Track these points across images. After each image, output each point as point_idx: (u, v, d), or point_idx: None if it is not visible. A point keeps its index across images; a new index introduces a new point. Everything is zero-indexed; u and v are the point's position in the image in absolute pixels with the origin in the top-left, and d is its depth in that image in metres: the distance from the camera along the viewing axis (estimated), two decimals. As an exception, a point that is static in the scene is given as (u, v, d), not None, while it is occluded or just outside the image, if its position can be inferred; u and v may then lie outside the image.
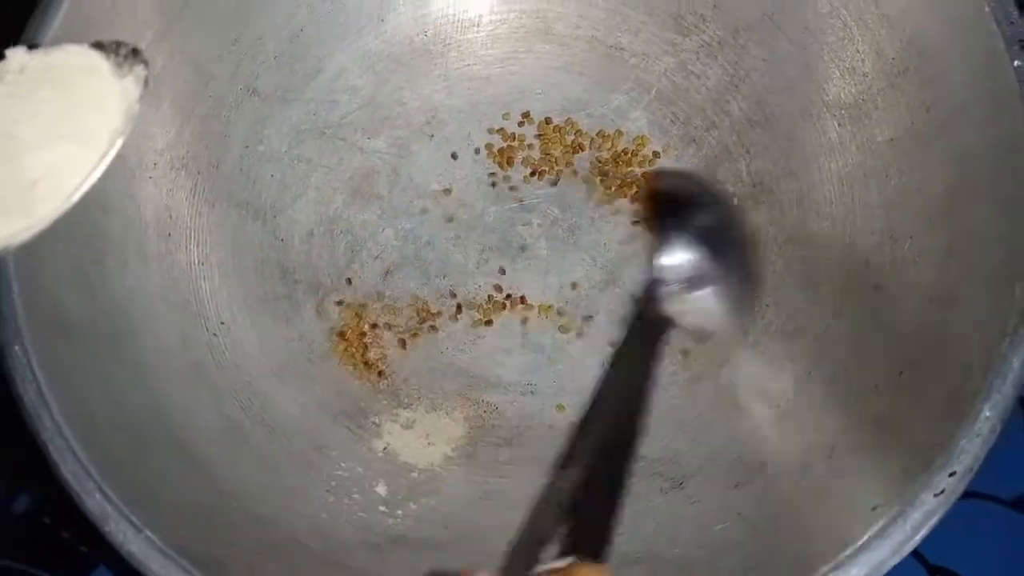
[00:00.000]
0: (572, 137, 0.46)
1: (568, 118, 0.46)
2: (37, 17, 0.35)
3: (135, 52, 0.26)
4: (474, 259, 0.44)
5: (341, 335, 0.42)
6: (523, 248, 0.44)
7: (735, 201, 0.43)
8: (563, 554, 0.27)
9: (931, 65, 0.37)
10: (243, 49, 0.42)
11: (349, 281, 0.43)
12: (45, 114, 0.25)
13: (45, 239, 0.33)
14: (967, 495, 0.44)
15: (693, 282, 0.34)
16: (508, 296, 0.43)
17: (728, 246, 0.35)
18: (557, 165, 0.45)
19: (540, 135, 0.46)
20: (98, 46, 0.26)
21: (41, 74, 0.26)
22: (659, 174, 0.43)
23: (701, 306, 0.34)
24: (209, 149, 0.42)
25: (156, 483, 0.33)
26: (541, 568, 0.27)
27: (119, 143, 0.26)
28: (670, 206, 0.36)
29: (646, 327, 0.33)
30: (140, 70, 0.26)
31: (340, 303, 0.43)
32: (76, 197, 0.25)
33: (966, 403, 0.30)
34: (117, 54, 0.26)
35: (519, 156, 0.46)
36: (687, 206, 0.36)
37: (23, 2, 0.35)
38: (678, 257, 0.34)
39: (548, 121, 0.46)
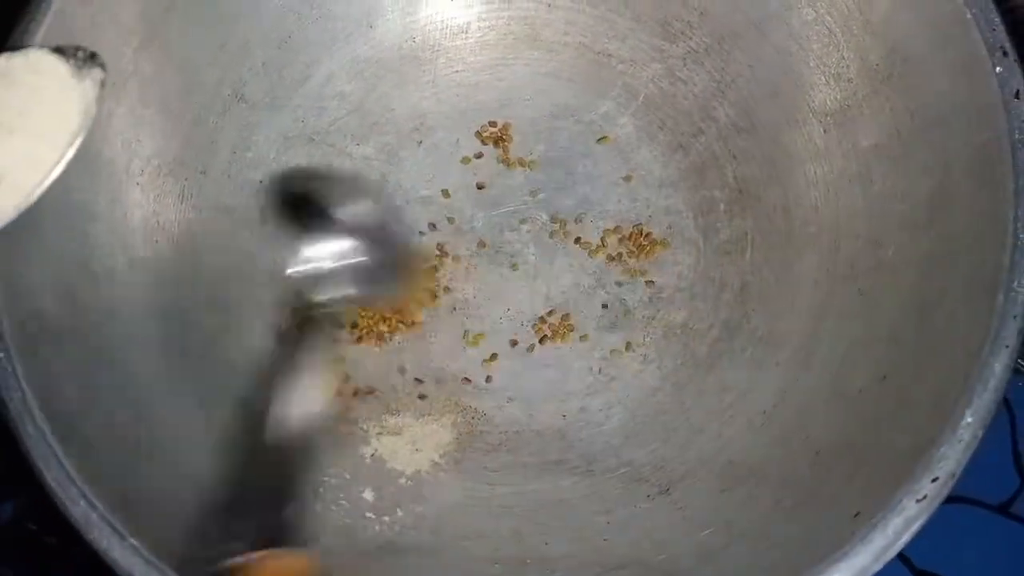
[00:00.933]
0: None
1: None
2: (20, 28, 0.34)
3: (93, 56, 0.28)
4: (463, 265, 0.44)
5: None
6: (512, 254, 0.44)
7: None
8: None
9: (915, 71, 0.37)
10: (230, 55, 0.42)
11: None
12: (4, 113, 0.26)
13: (30, 246, 0.33)
14: (953, 499, 0.45)
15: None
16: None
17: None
18: (547, 170, 0.46)
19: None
20: (58, 50, 0.28)
21: (2, 76, 0.27)
22: None
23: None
24: (196, 155, 0.42)
25: (140, 490, 0.33)
26: (225, 564, 0.27)
27: (78, 142, 0.27)
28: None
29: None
30: (97, 73, 0.27)
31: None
32: (36, 194, 0.27)
33: (948, 408, 0.30)
34: (76, 58, 0.27)
35: (508, 162, 0.46)
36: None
37: (6, 13, 0.36)
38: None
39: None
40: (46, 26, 0.34)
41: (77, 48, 0.27)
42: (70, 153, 0.27)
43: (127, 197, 0.39)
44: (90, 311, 0.35)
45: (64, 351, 0.33)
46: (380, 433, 0.41)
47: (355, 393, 0.41)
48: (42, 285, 0.34)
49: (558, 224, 0.45)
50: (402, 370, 0.42)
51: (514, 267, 0.44)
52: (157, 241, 0.39)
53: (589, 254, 0.44)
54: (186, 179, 0.41)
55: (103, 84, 0.27)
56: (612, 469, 0.40)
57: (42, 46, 0.28)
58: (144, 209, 0.39)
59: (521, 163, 0.46)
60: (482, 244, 0.44)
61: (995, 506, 0.45)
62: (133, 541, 0.30)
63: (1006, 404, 0.47)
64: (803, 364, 0.38)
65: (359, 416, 0.41)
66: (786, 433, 0.37)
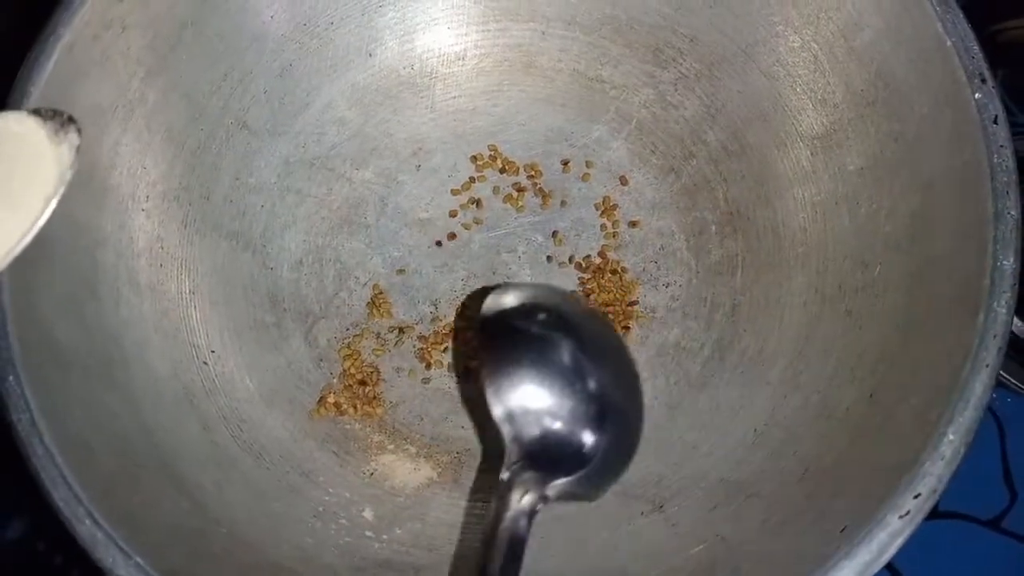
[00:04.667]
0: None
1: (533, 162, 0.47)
2: (30, 61, 0.36)
3: (71, 120, 0.27)
4: (460, 286, 0.45)
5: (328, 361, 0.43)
6: (508, 276, 0.45)
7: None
8: None
9: (898, 97, 0.38)
10: (233, 84, 0.43)
11: (338, 308, 0.44)
12: None
13: (40, 270, 0.34)
14: (944, 515, 0.46)
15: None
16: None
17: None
18: (542, 193, 0.47)
19: (528, 166, 0.47)
20: (35, 113, 0.27)
21: None
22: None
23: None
24: (200, 181, 0.43)
25: (146, 509, 0.34)
26: None
27: (52, 206, 0.26)
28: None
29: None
30: (74, 138, 0.27)
31: (346, 338, 0.44)
32: (8, 259, 0.26)
33: (931, 426, 0.31)
34: (54, 121, 0.27)
35: (504, 185, 0.47)
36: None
37: (18, 39, 0.37)
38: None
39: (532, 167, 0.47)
40: (55, 60, 0.36)
41: (54, 112, 0.27)
42: (42, 220, 0.26)
43: (133, 222, 0.40)
44: (97, 334, 0.36)
45: (72, 373, 0.34)
46: (379, 452, 0.41)
47: (355, 409, 0.42)
48: (51, 308, 0.35)
49: (553, 245, 0.46)
50: (403, 390, 0.43)
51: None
52: (161, 265, 0.40)
53: (583, 274, 0.45)
54: (190, 204, 0.42)
55: (79, 150, 0.27)
56: (606, 486, 0.40)
57: (20, 109, 0.28)
58: (149, 234, 0.40)
59: (516, 187, 0.47)
60: (479, 263, 0.45)
61: (986, 521, 0.46)
62: (138, 559, 0.31)
63: (996, 420, 0.47)
64: (793, 383, 0.39)
65: (359, 435, 0.42)
66: (776, 450, 0.38)
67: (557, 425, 0.31)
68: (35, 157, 0.27)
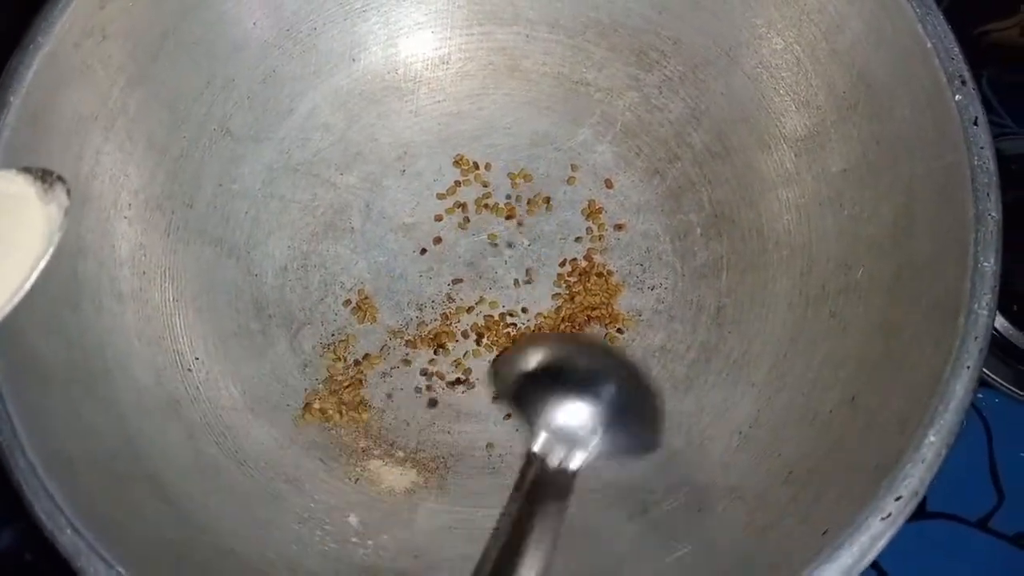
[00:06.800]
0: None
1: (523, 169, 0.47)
2: (12, 67, 0.36)
3: (60, 179, 0.27)
4: (445, 291, 0.45)
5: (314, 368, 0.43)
6: (493, 280, 0.45)
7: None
8: None
9: (879, 99, 0.38)
10: (216, 90, 0.43)
11: (323, 314, 0.44)
12: None
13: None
14: (932, 515, 0.46)
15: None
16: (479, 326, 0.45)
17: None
18: (528, 197, 0.47)
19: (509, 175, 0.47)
20: (25, 171, 0.27)
21: None
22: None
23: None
24: (183, 188, 0.43)
25: (129, 518, 0.33)
26: None
27: (41, 266, 0.26)
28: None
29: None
30: (63, 197, 0.27)
31: (331, 343, 0.44)
32: None
33: (912, 428, 0.31)
34: (44, 181, 0.27)
35: (489, 189, 0.47)
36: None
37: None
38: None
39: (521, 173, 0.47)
40: (35, 69, 0.36)
41: (44, 171, 0.27)
42: (31, 280, 0.26)
43: (115, 231, 0.40)
44: (78, 344, 0.36)
45: (54, 384, 0.34)
46: (365, 458, 0.41)
47: (341, 415, 0.42)
48: (31, 320, 0.34)
49: (539, 248, 0.46)
50: (389, 395, 0.43)
51: (496, 292, 0.45)
52: (144, 273, 0.40)
53: (570, 277, 0.45)
54: (173, 212, 0.42)
55: (67, 212, 0.26)
56: (594, 490, 0.40)
57: (9, 167, 0.27)
58: (131, 242, 0.40)
59: (501, 190, 0.47)
60: (465, 267, 0.45)
61: (973, 522, 0.46)
62: (120, 569, 0.31)
63: (983, 421, 0.47)
64: (777, 385, 0.39)
65: (344, 441, 0.42)
66: (761, 453, 0.38)
67: (575, 404, 0.38)
68: (24, 216, 0.26)
